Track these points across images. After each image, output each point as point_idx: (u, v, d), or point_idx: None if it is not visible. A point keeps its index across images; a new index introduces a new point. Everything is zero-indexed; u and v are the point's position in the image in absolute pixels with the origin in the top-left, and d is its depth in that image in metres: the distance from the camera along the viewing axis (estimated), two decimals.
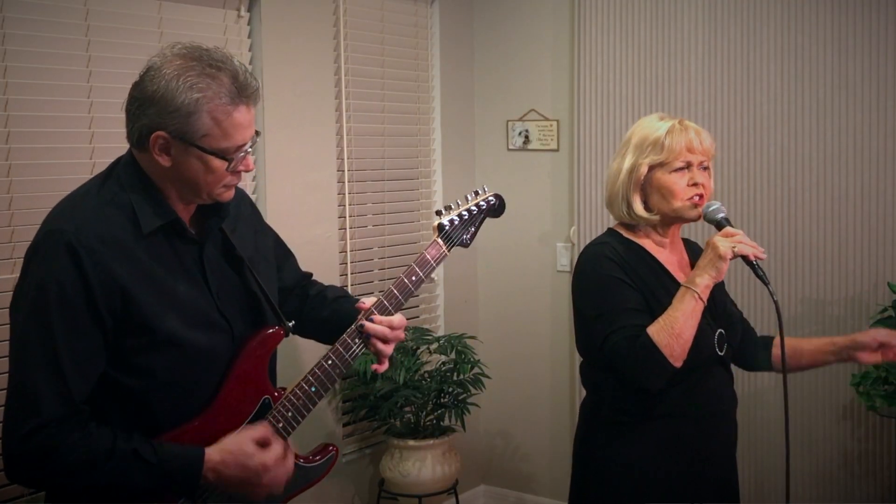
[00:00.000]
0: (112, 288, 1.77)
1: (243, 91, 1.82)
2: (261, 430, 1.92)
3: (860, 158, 3.48)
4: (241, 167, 1.86)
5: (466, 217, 2.19)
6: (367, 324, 2.03)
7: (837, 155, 3.52)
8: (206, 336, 1.88)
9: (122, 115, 3.03)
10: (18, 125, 2.83)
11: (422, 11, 4.21)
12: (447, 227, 2.15)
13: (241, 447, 1.87)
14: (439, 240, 2.14)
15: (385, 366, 2.10)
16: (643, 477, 2.32)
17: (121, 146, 3.00)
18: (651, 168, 2.33)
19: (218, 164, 1.83)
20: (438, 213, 2.17)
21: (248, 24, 3.47)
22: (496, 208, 2.28)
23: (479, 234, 2.24)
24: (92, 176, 2.93)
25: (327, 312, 2.17)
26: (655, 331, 2.19)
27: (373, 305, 2.06)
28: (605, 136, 3.99)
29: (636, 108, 3.91)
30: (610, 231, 2.46)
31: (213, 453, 1.85)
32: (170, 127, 1.79)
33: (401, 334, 2.08)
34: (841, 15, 3.47)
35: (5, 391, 2.79)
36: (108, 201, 1.84)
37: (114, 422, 1.82)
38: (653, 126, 2.37)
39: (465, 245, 2.21)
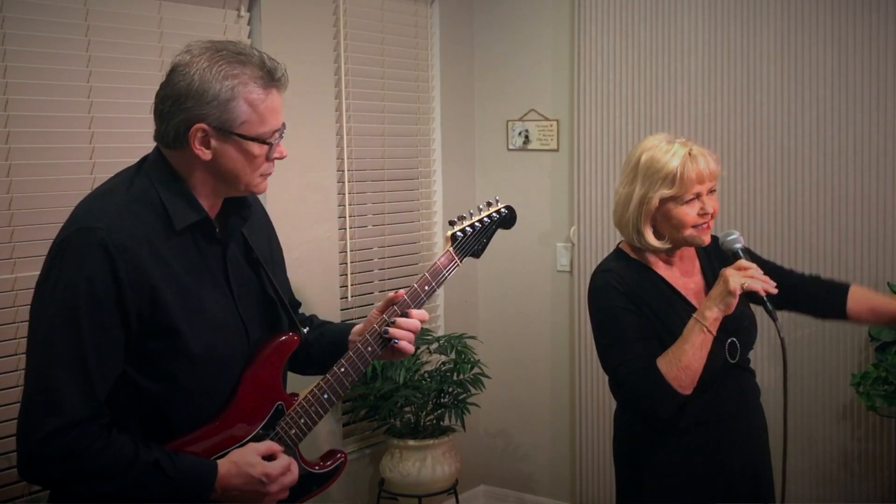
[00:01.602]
0: (142, 288, 1.76)
1: (273, 75, 1.86)
2: (266, 443, 1.93)
3: (860, 158, 3.48)
4: (275, 153, 1.89)
5: (479, 227, 2.22)
6: (402, 320, 2.06)
7: (837, 155, 3.52)
8: (226, 341, 1.89)
9: (123, 116, 3.06)
10: (18, 125, 2.83)
11: (422, 11, 4.21)
12: (460, 238, 2.18)
13: (244, 458, 1.88)
14: (452, 250, 2.16)
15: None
16: (678, 483, 2.36)
17: (120, 146, 3.02)
18: (662, 201, 2.32)
19: (258, 150, 1.85)
20: (451, 223, 2.20)
21: (248, 24, 3.47)
22: (508, 220, 2.30)
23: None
24: (91, 176, 2.96)
25: (312, 336, 2.17)
26: (665, 364, 2.24)
27: (389, 315, 2.08)
28: (605, 136, 3.99)
29: (636, 108, 3.91)
30: (619, 253, 2.46)
31: (223, 464, 1.85)
32: (209, 117, 1.80)
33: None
34: (841, 15, 3.47)
35: (7, 389, 2.80)
36: (138, 199, 1.83)
37: (129, 425, 1.81)
38: (662, 155, 2.33)
39: (477, 255, 2.24)
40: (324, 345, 2.15)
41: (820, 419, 3.59)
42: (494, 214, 2.26)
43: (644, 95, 3.89)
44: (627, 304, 2.32)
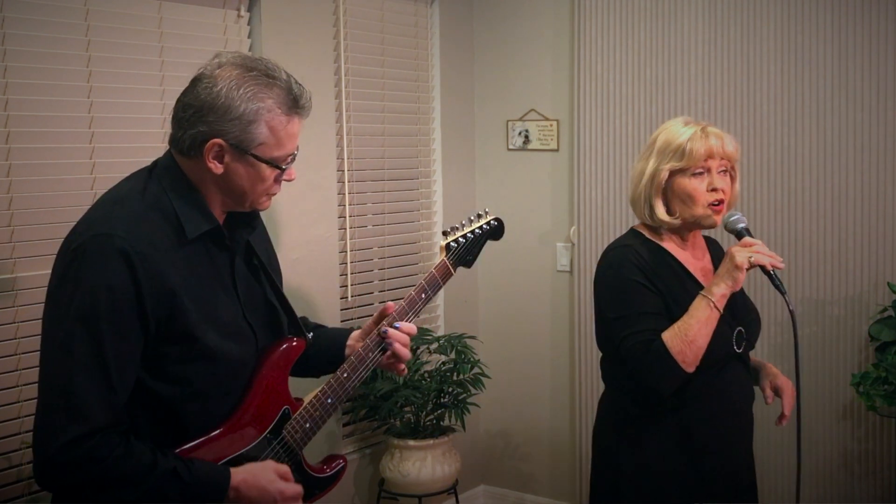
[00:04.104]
0: (162, 294, 1.76)
1: (297, 103, 1.88)
2: (284, 466, 1.95)
3: (860, 158, 3.48)
4: (285, 175, 1.91)
5: (471, 238, 2.28)
6: (392, 331, 2.09)
7: (837, 155, 3.52)
8: (238, 346, 1.90)
9: (123, 116, 3.06)
10: (18, 125, 2.82)
11: (422, 11, 4.20)
12: (454, 248, 2.23)
13: (264, 473, 1.90)
14: (446, 259, 2.22)
15: (405, 370, 2.17)
16: (656, 472, 2.38)
17: (120, 146, 3.02)
18: (672, 173, 2.38)
19: (269, 172, 1.86)
20: (445, 233, 2.25)
21: (248, 24, 3.47)
22: (497, 231, 2.37)
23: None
24: (91, 176, 2.96)
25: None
26: (669, 337, 2.25)
27: (387, 321, 2.11)
28: (605, 136, 3.99)
29: (636, 108, 3.91)
30: (634, 232, 2.49)
31: (235, 473, 1.86)
32: (228, 135, 1.81)
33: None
34: (841, 15, 3.47)
35: (7, 389, 2.80)
36: (152, 205, 1.83)
37: (142, 428, 1.81)
38: (676, 132, 2.41)
39: (468, 265, 2.29)
40: (319, 349, 2.16)
41: (820, 419, 3.59)
42: (485, 226, 2.33)
43: (644, 95, 3.89)
44: (643, 279, 2.34)
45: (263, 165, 1.85)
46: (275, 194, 1.94)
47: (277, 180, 1.90)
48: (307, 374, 2.17)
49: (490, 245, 2.36)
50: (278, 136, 1.85)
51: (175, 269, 1.80)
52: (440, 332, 4.25)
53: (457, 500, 3.97)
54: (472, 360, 3.85)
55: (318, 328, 2.24)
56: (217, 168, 1.84)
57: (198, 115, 1.82)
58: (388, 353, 2.11)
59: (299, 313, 2.26)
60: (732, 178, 2.45)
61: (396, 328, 2.10)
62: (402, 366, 2.15)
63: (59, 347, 1.74)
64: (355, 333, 2.17)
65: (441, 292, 4.31)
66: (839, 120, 3.51)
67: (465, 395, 3.84)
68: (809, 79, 3.55)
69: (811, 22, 3.53)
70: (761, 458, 3.68)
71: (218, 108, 1.81)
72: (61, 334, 1.74)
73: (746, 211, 3.68)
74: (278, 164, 1.87)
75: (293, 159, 1.91)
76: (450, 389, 3.82)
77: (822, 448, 3.60)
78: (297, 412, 2.01)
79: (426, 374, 3.82)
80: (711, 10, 3.72)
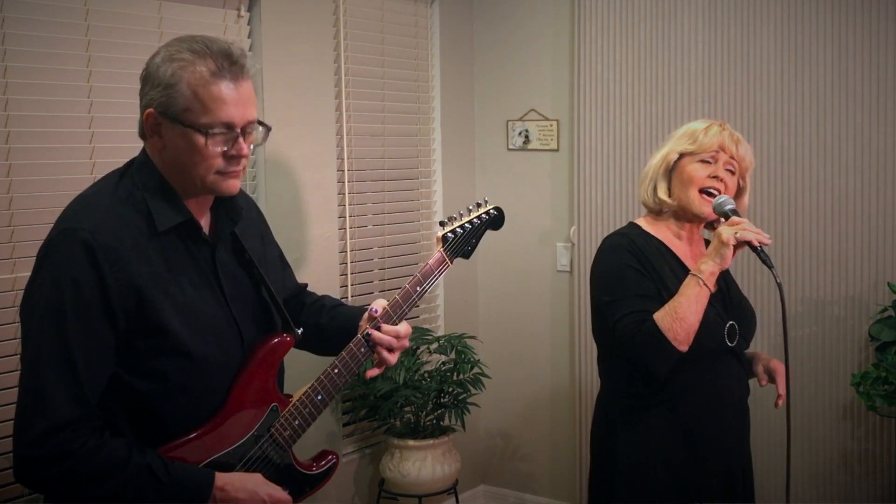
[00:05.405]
0: (127, 287, 1.76)
1: (229, 66, 1.80)
2: (274, 484, 1.94)
3: (860, 158, 3.48)
4: (232, 151, 1.82)
5: (469, 228, 2.24)
6: (375, 333, 2.05)
7: (837, 155, 3.52)
8: (217, 342, 1.88)
9: (123, 116, 3.07)
10: (18, 125, 2.83)
11: (422, 11, 4.21)
12: (451, 239, 2.19)
13: (251, 478, 1.89)
14: (442, 251, 2.18)
15: (380, 370, 2.12)
16: (650, 465, 2.40)
17: (120, 146, 3.02)
18: (682, 156, 2.45)
19: (199, 139, 1.78)
20: (442, 223, 2.22)
21: (248, 24, 3.47)
22: (496, 220, 2.33)
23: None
24: (92, 175, 2.96)
25: (325, 320, 2.19)
26: (660, 316, 2.28)
27: (379, 315, 2.07)
28: (605, 136, 3.99)
29: (636, 108, 3.91)
30: (631, 224, 2.55)
31: (221, 475, 1.85)
32: (155, 101, 1.80)
33: (406, 343, 2.10)
34: (841, 15, 3.47)
35: (7, 389, 2.80)
36: (123, 200, 1.83)
37: (123, 427, 1.81)
38: (697, 123, 2.52)
39: (467, 256, 2.26)
40: (334, 329, 2.15)
41: (820, 419, 3.59)
42: (484, 216, 2.29)
43: (644, 95, 3.89)
44: (636, 264, 2.38)
45: (194, 133, 1.78)
46: (232, 173, 1.84)
47: (226, 156, 1.82)
48: (327, 353, 2.14)
49: (490, 245, 2.34)
50: (201, 100, 1.77)
51: (145, 263, 1.79)
52: (440, 332, 4.25)
53: (457, 500, 3.97)
54: (472, 360, 3.85)
55: (335, 308, 2.22)
56: (158, 142, 1.83)
57: (140, 93, 1.85)
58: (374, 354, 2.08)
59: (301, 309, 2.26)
60: (742, 188, 2.49)
61: (378, 330, 2.06)
62: (375, 369, 2.11)
63: (31, 342, 1.76)
64: (365, 315, 2.13)
65: (441, 293, 4.32)
66: (839, 120, 3.51)
67: (465, 395, 3.84)
68: (809, 79, 3.55)
69: (811, 22, 3.53)
70: (759, 458, 3.69)
71: (149, 77, 1.82)
72: (33, 329, 1.76)
73: (746, 211, 3.67)
74: (203, 129, 1.78)
75: (243, 131, 1.82)
76: (450, 389, 3.82)
77: (822, 448, 3.60)
78: (286, 409, 1.99)
79: (426, 374, 3.82)
80: (711, 10, 3.72)
